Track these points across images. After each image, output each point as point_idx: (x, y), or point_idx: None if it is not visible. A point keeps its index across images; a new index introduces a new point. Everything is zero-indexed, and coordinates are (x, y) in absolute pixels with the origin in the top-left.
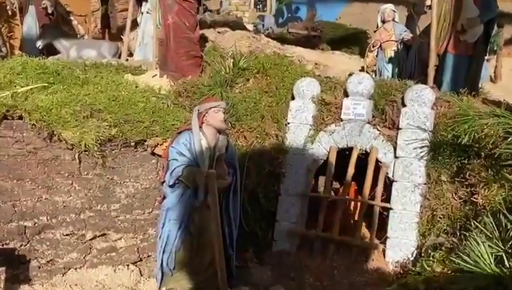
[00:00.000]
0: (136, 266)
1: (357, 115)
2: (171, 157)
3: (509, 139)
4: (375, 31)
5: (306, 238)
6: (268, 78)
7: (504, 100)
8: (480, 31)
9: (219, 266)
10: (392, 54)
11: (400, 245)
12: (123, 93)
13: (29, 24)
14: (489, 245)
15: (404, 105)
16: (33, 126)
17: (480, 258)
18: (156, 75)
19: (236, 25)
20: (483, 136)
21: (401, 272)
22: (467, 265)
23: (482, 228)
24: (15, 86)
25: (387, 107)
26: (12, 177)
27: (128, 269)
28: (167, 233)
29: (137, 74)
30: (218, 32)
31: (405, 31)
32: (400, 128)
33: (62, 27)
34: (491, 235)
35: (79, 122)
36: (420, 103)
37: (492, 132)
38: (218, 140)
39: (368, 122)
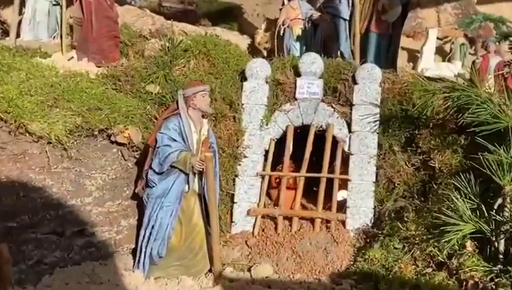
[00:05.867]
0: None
1: (311, 94)
2: (162, 144)
3: (469, 110)
4: (280, 9)
5: (267, 217)
6: (210, 59)
7: (455, 75)
8: (399, 11)
9: (215, 245)
10: (300, 32)
11: (359, 213)
12: (54, 79)
13: None
14: (463, 200)
15: (355, 83)
16: None
17: (457, 212)
18: (72, 58)
19: None
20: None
21: (365, 237)
22: (448, 219)
23: (458, 185)
24: None
25: (339, 85)
26: None
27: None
28: (159, 220)
29: (44, 56)
30: None
31: (311, 9)
32: (354, 105)
33: None
34: (466, 191)
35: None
36: (371, 80)
37: (449, 104)
38: (202, 124)
39: (322, 101)
